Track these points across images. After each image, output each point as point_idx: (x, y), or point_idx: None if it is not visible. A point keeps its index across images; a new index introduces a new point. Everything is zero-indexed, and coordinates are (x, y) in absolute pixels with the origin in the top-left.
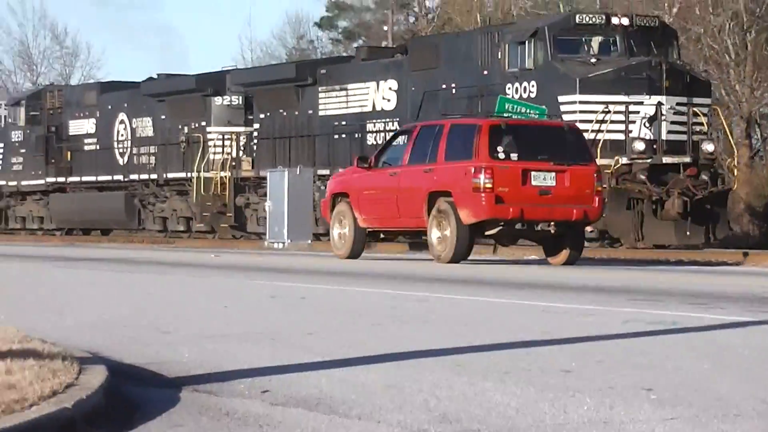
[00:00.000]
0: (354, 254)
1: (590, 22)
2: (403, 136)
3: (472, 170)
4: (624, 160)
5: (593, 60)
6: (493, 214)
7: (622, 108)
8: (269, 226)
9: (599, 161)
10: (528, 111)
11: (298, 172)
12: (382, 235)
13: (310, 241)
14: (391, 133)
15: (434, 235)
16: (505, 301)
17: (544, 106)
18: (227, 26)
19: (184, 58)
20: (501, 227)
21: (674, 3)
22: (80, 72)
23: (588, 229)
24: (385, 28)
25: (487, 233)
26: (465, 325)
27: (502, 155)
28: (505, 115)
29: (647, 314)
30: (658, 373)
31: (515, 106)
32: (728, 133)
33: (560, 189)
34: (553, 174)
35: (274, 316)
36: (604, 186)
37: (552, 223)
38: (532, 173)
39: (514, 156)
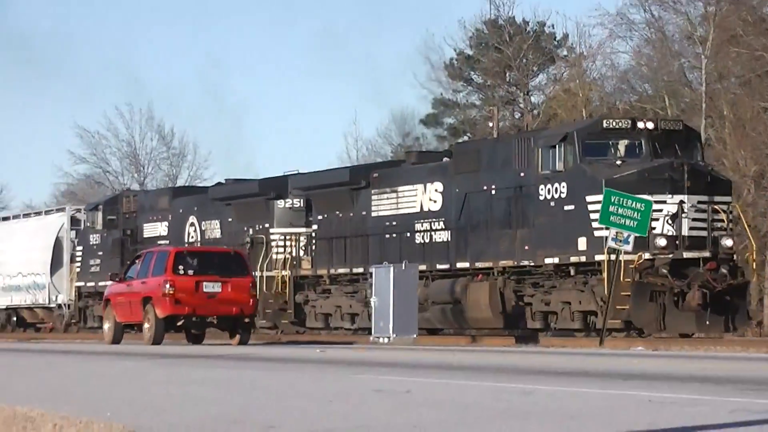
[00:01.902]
0: (116, 341)
1: (617, 126)
2: (138, 259)
3: (162, 282)
4: (647, 255)
5: (619, 162)
6: (174, 311)
7: None
8: (374, 320)
9: (625, 257)
10: (633, 203)
11: (403, 268)
12: (134, 327)
13: (415, 335)
14: (438, 232)
15: (145, 325)
16: (612, 392)
17: (649, 199)
18: (334, 125)
19: (290, 158)
20: (183, 320)
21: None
22: (187, 172)
23: (616, 321)
24: (491, 124)
25: (178, 324)
26: (571, 418)
27: (182, 271)
28: (610, 208)
29: (754, 403)
30: None
31: (621, 199)
32: (747, 229)
33: (224, 294)
34: (219, 284)
35: (380, 410)
36: (628, 279)
37: (215, 318)
38: (204, 283)
39: (191, 272)
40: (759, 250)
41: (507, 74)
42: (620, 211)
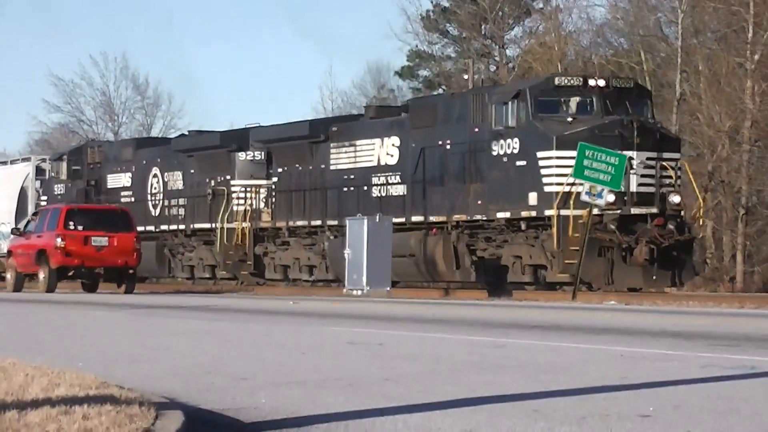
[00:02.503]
0: (17, 289)
1: (568, 84)
2: (36, 216)
3: (54, 236)
4: (595, 211)
5: (570, 119)
6: (65, 263)
7: None
8: (348, 273)
9: (573, 212)
10: (607, 157)
11: (377, 220)
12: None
13: (388, 288)
14: (394, 186)
15: (41, 275)
16: (583, 346)
17: (623, 153)
18: (308, 76)
19: (264, 108)
20: (73, 271)
21: None
22: (161, 122)
23: (564, 275)
24: (466, 77)
25: (69, 274)
26: (543, 371)
27: (72, 226)
28: (584, 162)
29: (725, 359)
30: (736, 419)
31: (596, 153)
32: (694, 186)
33: (111, 247)
34: (106, 238)
35: (352, 362)
36: (577, 234)
37: (102, 269)
38: (92, 237)
39: (80, 227)
40: (732, 206)
41: (483, 27)
42: (594, 165)
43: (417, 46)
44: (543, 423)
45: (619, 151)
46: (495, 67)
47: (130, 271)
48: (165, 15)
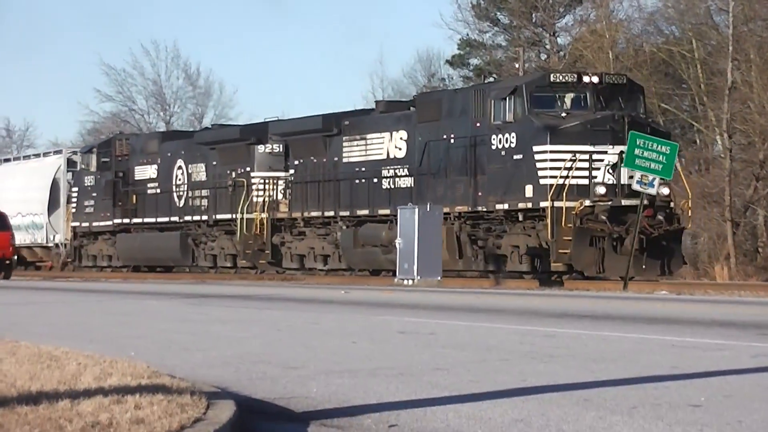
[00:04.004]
0: None
1: (563, 80)
2: None
3: None
4: (587, 202)
5: (564, 114)
6: None
7: (587, 156)
8: (399, 263)
9: (566, 203)
10: (659, 146)
11: (428, 209)
12: None
13: (439, 278)
14: (402, 178)
15: None
16: (634, 335)
17: (675, 143)
18: (359, 65)
19: (314, 97)
20: None
21: None
22: (213, 111)
23: (558, 264)
24: (517, 65)
25: None
26: (593, 361)
27: None
28: (636, 152)
29: None
30: None
31: (647, 142)
32: (683, 178)
33: None
34: None
35: (403, 351)
36: (570, 225)
37: None
38: None
39: None
40: None
41: (533, 15)
42: (645, 154)
43: (468, 34)
44: (594, 412)
45: (610, 146)
46: (546, 56)
47: (7, 262)
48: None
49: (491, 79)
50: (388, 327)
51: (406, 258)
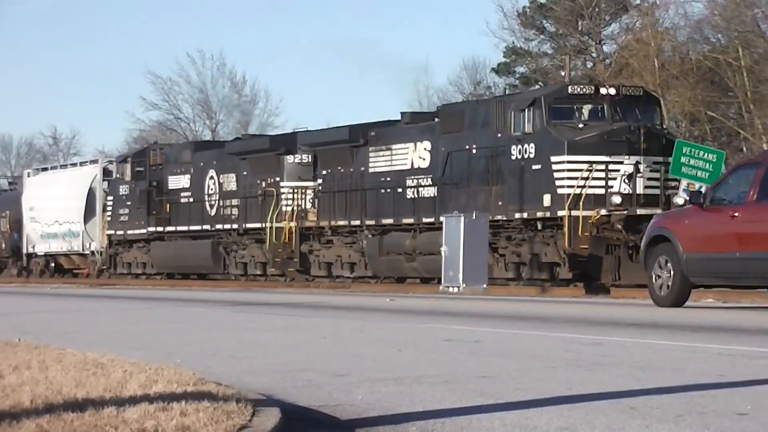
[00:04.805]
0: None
1: (581, 92)
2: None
3: None
4: (603, 212)
5: (581, 125)
6: None
7: (603, 167)
8: (444, 270)
9: (582, 212)
10: (705, 154)
11: (474, 217)
12: None
13: (485, 285)
14: (425, 188)
15: None
16: (681, 344)
17: (722, 151)
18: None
19: (354, 107)
20: None
21: None
22: (258, 120)
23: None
24: (563, 73)
25: None
26: (640, 369)
27: None
28: (682, 159)
29: None
30: None
31: (693, 150)
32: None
33: None
34: None
35: (448, 359)
36: (586, 234)
37: None
38: None
39: None
40: None
41: (579, 23)
42: (692, 162)
43: (513, 42)
44: (640, 420)
45: (626, 156)
46: (592, 64)
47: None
48: (261, 8)
49: (536, 87)
50: (433, 335)
51: (452, 266)
